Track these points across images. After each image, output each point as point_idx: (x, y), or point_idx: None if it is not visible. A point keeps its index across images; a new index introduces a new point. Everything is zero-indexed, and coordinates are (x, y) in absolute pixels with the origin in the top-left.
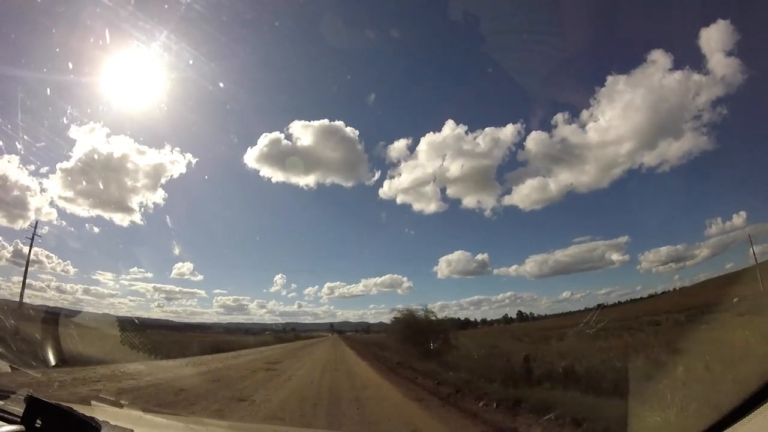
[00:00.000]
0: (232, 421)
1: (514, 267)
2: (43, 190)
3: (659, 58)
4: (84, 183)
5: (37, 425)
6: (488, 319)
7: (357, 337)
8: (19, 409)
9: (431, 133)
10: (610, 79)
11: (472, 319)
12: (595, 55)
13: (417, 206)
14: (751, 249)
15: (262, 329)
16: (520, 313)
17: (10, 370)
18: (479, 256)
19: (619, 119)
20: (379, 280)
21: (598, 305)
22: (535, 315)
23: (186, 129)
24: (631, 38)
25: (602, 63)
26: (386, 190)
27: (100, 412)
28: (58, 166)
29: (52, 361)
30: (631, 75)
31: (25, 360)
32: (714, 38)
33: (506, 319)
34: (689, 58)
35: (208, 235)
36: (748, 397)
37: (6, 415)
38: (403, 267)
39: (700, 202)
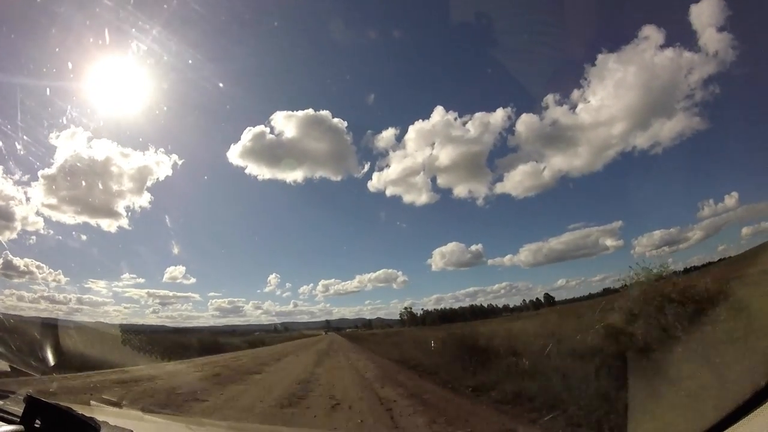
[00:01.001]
0: (231, 421)
1: (508, 257)
2: (28, 199)
3: (650, 34)
4: (69, 189)
5: (36, 425)
6: (511, 305)
7: (375, 337)
8: (18, 409)
9: (420, 120)
10: (600, 57)
11: (501, 305)
12: (585, 32)
13: (408, 198)
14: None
15: (253, 330)
16: (547, 296)
17: (9, 369)
18: (473, 247)
19: (610, 99)
20: (373, 275)
21: (604, 290)
22: (565, 299)
23: (170, 130)
24: (621, 14)
25: (592, 40)
26: (375, 182)
27: (99, 412)
28: (41, 173)
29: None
30: (622, 53)
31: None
32: (705, 13)
33: (534, 304)
34: (681, 34)
35: (199, 236)
36: (749, 397)
37: (5, 415)
38: (397, 261)
39: (692, 184)
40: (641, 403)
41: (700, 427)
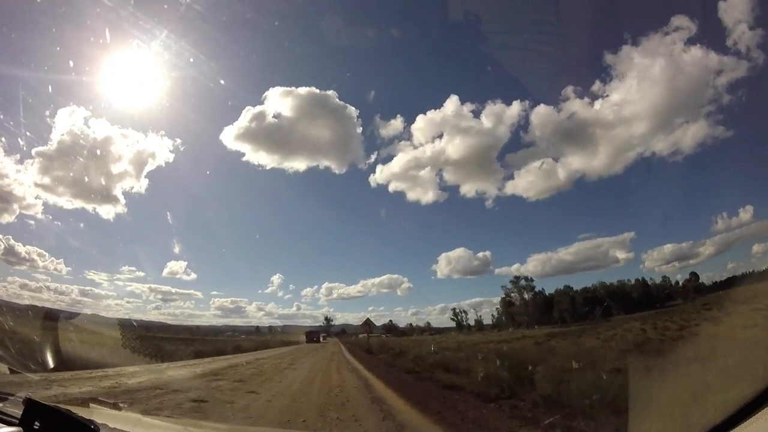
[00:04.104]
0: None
1: (515, 266)
2: (27, 182)
3: (682, 23)
4: (68, 173)
5: (35, 427)
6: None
7: None
8: (17, 411)
9: (432, 110)
10: (625, 48)
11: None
12: (608, 20)
13: (412, 195)
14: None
15: (246, 331)
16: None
17: (8, 372)
18: (481, 254)
19: (633, 93)
20: (377, 280)
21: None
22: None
23: (171, 115)
24: (647, 5)
25: (615, 30)
26: (378, 176)
27: (98, 414)
28: (35, 150)
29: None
30: (649, 43)
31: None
32: (737, 9)
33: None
34: (711, 31)
35: (199, 229)
36: (749, 400)
37: (4, 417)
38: (402, 266)
39: (708, 195)
40: None
41: (701, 428)
